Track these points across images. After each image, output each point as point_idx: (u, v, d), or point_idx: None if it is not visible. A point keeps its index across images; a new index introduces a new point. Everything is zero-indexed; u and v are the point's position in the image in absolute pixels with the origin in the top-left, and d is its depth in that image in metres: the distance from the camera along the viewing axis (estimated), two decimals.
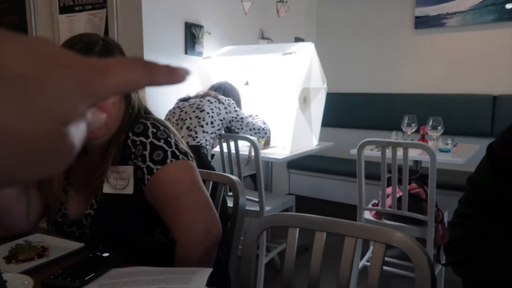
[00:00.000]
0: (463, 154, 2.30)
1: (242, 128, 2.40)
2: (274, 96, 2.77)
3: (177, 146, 0.97)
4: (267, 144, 2.68)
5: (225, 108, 2.30)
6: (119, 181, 0.97)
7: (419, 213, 2.03)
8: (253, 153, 2.32)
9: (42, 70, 0.19)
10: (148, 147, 0.95)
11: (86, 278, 0.81)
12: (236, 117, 2.35)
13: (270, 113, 2.77)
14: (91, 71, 0.21)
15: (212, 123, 2.22)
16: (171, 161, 0.94)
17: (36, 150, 0.19)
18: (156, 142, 0.96)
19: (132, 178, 0.96)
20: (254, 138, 2.23)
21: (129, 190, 0.96)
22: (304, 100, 2.60)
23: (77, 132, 0.21)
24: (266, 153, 2.45)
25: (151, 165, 0.94)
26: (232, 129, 2.48)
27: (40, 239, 1.00)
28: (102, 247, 1.01)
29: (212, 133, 2.22)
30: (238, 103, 2.53)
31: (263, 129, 2.48)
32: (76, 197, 1.04)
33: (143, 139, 0.96)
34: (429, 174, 1.93)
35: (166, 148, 0.96)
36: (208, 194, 0.97)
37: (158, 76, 0.23)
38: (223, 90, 2.53)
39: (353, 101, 3.95)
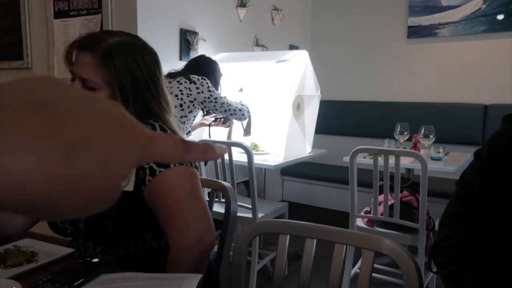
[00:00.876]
0: (455, 163, 2.32)
1: (216, 109, 2.27)
2: (268, 103, 2.78)
3: None
4: (247, 132, 2.57)
5: (197, 88, 2.18)
6: None
7: (410, 221, 2.04)
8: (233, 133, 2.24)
9: (119, 140, 0.23)
10: None
11: (75, 284, 0.80)
12: (209, 98, 2.20)
13: (263, 120, 2.78)
14: (147, 141, 0.25)
15: (181, 105, 2.14)
16: (174, 165, 0.95)
17: (97, 198, 0.23)
18: None
19: (133, 176, 0.96)
20: (247, 144, 2.23)
21: (129, 187, 0.95)
22: (298, 107, 2.61)
23: (123, 183, 0.25)
24: (259, 159, 2.46)
25: (154, 166, 0.94)
26: (207, 111, 2.37)
27: (29, 244, 1.00)
28: (92, 247, 1.01)
29: (182, 117, 2.15)
30: (215, 81, 2.36)
31: (239, 110, 2.35)
32: None
33: None
34: (421, 182, 1.94)
35: None
36: (206, 202, 0.97)
37: (192, 156, 0.28)
38: (199, 66, 2.33)
39: (346, 109, 3.97)
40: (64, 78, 2.63)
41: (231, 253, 1.36)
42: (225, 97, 2.34)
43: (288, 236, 0.94)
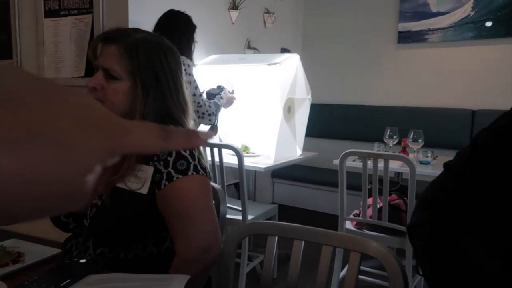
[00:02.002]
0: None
1: None
2: (259, 105, 2.79)
3: (199, 160, 0.99)
4: (212, 130, 2.35)
5: None
6: (135, 179, 0.96)
7: (399, 224, 2.06)
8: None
9: (80, 131, 0.22)
10: (173, 154, 0.96)
11: (62, 284, 0.80)
12: None
13: (254, 122, 2.78)
14: (118, 132, 0.24)
15: None
16: (192, 174, 0.96)
17: (58, 196, 0.22)
18: (182, 151, 0.97)
19: (149, 179, 0.96)
20: (238, 146, 2.23)
21: (144, 190, 0.96)
22: (289, 110, 2.62)
23: (93, 179, 0.24)
24: (249, 161, 2.46)
25: (172, 172, 0.95)
26: None
27: (15, 244, 0.99)
28: (92, 248, 1.00)
29: None
30: (188, 47, 2.04)
31: (209, 114, 2.09)
32: None
33: None
34: (409, 186, 1.97)
35: (190, 160, 0.97)
36: (216, 216, 0.98)
37: (175, 144, 0.26)
38: (172, 32, 1.95)
39: (336, 112, 4.00)
40: (53, 78, 2.61)
41: None
42: (200, 95, 2.04)
43: (276, 238, 0.95)
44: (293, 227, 0.94)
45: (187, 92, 1.09)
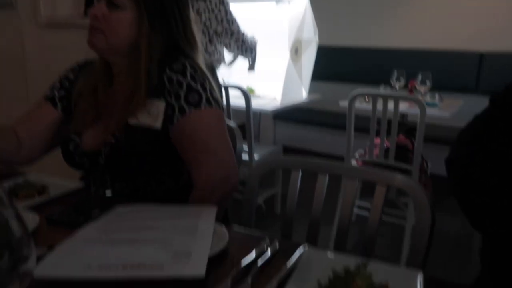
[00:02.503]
0: (449, 109, 2.35)
1: (228, 45, 2.00)
2: (265, 46, 2.70)
3: (211, 93, 0.97)
4: (252, 67, 2.42)
5: (216, 16, 1.96)
6: (148, 115, 0.95)
7: (405, 163, 2.08)
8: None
9: None
10: (184, 87, 0.94)
11: (92, 214, 0.80)
12: (226, 31, 1.92)
13: (260, 64, 2.71)
14: None
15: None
16: (205, 107, 0.94)
17: None
18: (193, 84, 0.95)
19: (162, 114, 0.95)
20: (245, 88, 2.19)
21: (157, 125, 0.95)
22: (296, 51, 2.55)
23: None
24: (255, 103, 2.42)
25: (184, 105, 0.93)
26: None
27: (38, 177, 0.99)
28: (110, 183, 1.00)
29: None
30: None
31: (251, 50, 2.07)
32: (95, 128, 1.01)
33: (180, 78, 0.95)
34: (418, 126, 1.97)
35: (202, 92, 0.95)
36: (232, 146, 0.98)
37: None
38: None
39: (341, 55, 3.91)
40: (50, 15, 2.47)
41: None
42: (243, 33, 1.95)
43: (300, 171, 0.95)
44: (317, 161, 0.94)
45: (195, 27, 1.05)
